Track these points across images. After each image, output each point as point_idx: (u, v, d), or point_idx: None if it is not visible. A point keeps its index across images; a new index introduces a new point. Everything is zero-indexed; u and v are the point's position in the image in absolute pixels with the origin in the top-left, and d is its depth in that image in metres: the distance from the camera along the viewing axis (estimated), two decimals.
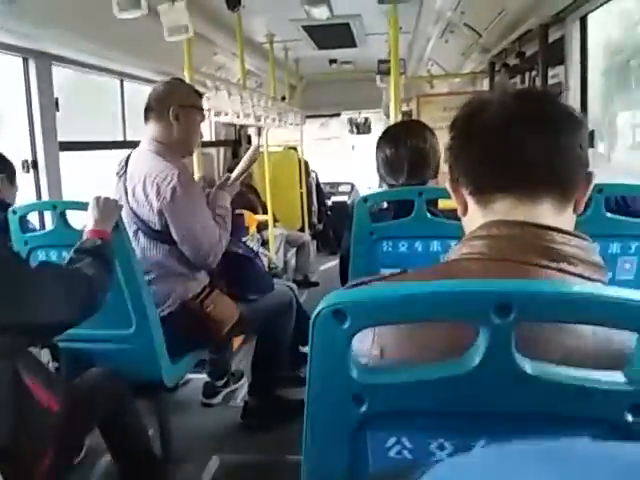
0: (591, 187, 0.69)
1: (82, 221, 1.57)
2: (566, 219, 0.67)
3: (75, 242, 1.42)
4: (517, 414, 0.55)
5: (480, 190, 0.70)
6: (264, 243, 3.86)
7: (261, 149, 3.57)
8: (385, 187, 1.65)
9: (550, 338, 0.58)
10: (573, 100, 2.33)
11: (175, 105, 1.83)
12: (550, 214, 0.66)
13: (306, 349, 1.97)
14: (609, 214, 1.24)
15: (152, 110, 1.87)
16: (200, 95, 1.99)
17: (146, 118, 1.88)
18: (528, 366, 0.53)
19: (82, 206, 1.55)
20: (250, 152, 2.15)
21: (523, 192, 0.66)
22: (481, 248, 0.67)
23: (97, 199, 1.53)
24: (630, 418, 0.52)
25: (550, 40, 2.48)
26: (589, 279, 0.63)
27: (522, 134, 0.66)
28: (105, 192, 1.65)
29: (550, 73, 2.50)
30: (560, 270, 0.62)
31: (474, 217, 0.71)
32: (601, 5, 2.18)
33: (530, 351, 0.54)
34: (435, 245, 1.35)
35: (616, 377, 0.53)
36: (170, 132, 1.84)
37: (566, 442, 0.29)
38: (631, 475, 0.25)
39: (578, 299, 0.51)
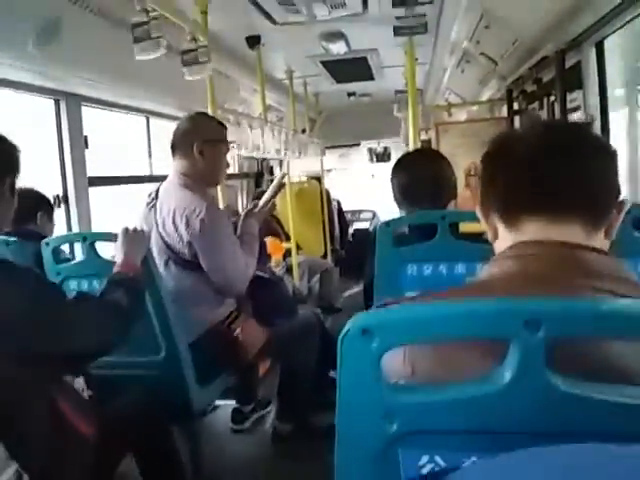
0: (623, 215, 0.70)
1: (111, 251, 1.61)
2: (596, 243, 0.68)
3: (105, 271, 1.46)
4: (551, 432, 0.55)
5: (510, 214, 0.71)
6: (288, 270, 3.88)
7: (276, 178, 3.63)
8: (404, 214, 1.67)
9: (592, 355, 0.57)
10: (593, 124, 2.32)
11: (199, 141, 1.88)
12: (580, 236, 0.67)
13: (333, 373, 1.95)
14: (637, 233, 1.23)
15: (177, 146, 1.93)
16: (224, 127, 2.03)
17: (173, 153, 1.94)
18: (561, 382, 0.53)
19: (111, 237, 1.60)
20: (277, 180, 2.20)
21: (553, 215, 0.68)
22: (511, 267, 0.68)
23: (126, 230, 1.58)
24: None
25: (567, 65, 2.50)
26: (622, 295, 0.63)
27: (553, 162, 0.67)
28: (132, 223, 1.70)
29: (568, 97, 2.51)
30: (593, 288, 0.63)
31: (504, 241, 0.72)
32: (616, 30, 2.20)
33: (572, 369, 0.53)
34: (459, 268, 1.34)
35: None
36: (196, 166, 1.89)
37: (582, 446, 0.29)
38: None
39: (608, 314, 0.51)
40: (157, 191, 1.95)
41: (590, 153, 0.68)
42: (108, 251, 1.67)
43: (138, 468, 1.50)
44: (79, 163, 2.52)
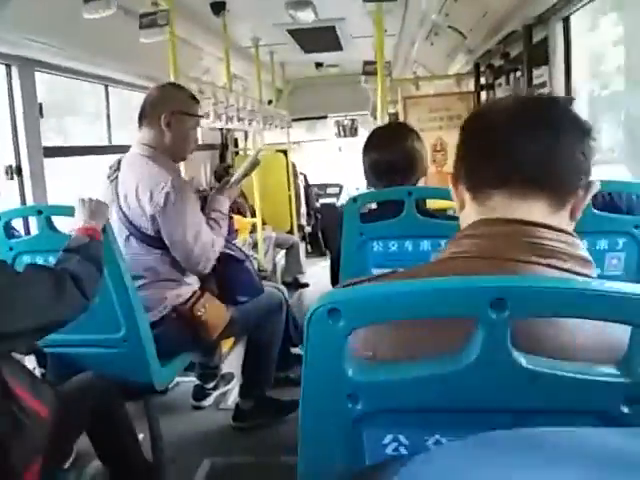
0: (590, 196, 0.69)
1: (68, 226, 1.55)
2: (560, 221, 0.67)
3: (62, 246, 1.40)
4: (514, 409, 0.55)
5: (477, 186, 0.71)
6: (253, 246, 3.85)
7: (248, 152, 3.56)
8: (373, 189, 1.65)
9: (546, 333, 0.58)
10: None
11: (167, 111, 1.81)
12: (543, 213, 0.67)
13: (296, 350, 1.97)
14: (597, 211, 1.26)
15: (144, 115, 1.85)
16: (196, 101, 1.96)
17: (139, 123, 1.87)
18: (524, 360, 0.53)
19: (68, 211, 1.53)
20: (252, 157, 2.12)
21: (517, 190, 0.67)
22: (471, 246, 0.68)
23: (83, 200, 1.51)
24: (626, 410, 0.53)
25: (534, 41, 2.50)
26: (578, 274, 0.64)
27: (523, 135, 0.67)
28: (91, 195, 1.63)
29: (535, 73, 2.52)
30: (549, 266, 0.63)
31: (470, 214, 0.72)
32: (583, 6, 2.21)
33: (527, 347, 0.54)
34: (425, 244, 1.35)
35: (611, 370, 0.53)
36: (162, 138, 1.83)
37: (537, 430, 0.29)
38: (597, 460, 0.25)
39: (572, 293, 0.51)
40: (118, 163, 1.87)
41: (562, 130, 0.67)
42: (65, 226, 1.61)
43: (94, 447, 1.48)
44: (33, 132, 2.41)
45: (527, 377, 0.53)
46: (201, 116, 1.97)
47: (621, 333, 0.53)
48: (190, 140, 1.91)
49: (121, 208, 1.79)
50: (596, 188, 0.69)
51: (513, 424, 0.55)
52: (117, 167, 1.86)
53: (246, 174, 2.07)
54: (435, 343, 0.60)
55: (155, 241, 1.79)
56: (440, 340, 0.59)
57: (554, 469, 0.25)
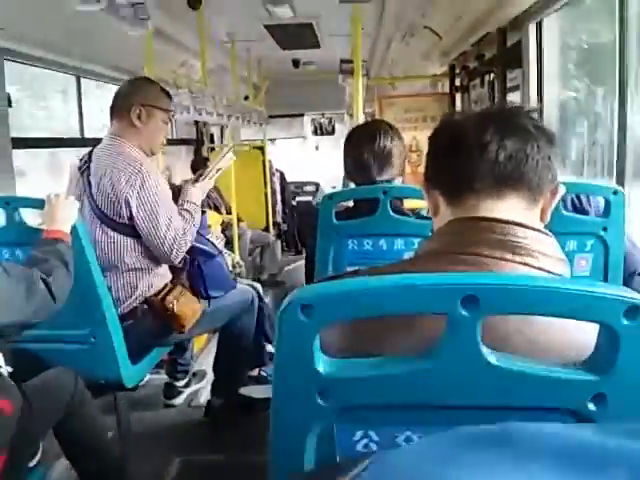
0: (557, 198, 0.72)
1: (36, 219, 1.51)
2: (532, 221, 0.69)
3: (29, 240, 1.38)
4: (483, 406, 0.56)
5: (450, 190, 0.72)
6: (228, 243, 3.82)
7: (225, 148, 3.53)
8: (352, 186, 1.65)
9: (515, 327, 0.59)
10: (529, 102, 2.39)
11: (137, 104, 1.82)
12: (516, 212, 0.68)
13: (270, 348, 1.94)
14: (566, 212, 1.29)
15: (116, 108, 1.86)
16: (169, 96, 1.96)
17: (111, 115, 1.87)
18: (493, 357, 0.54)
19: (38, 203, 1.50)
20: (225, 151, 2.14)
21: (490, 191, 0.69)
22: (445, 244, 0.69)
23: (53, 196, 1.49)
24: (592, 407, 0.54)
25: (508, 44, 2.54)
26: (552, 273, 0.65)
27: (494, 140, 0.68)
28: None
29: (509, 76, 2.56)
30: (524, 264, 0.64)
31: (444, 216, 0.73)
32: (556, 11, 2.26)
33: (495, 339, 0.55)
34: (399, 243, 1.36)
35: (579, 368, 0.54)
36: (133, 131, 1.83)
37: (506, 425, 0.30)
38: (568, 456, 0.25)
39: (543, 291, 0.52)
40: (89, 154, 1.85)
41: (529, 134, 0.69)
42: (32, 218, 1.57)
43: (60, 445, 1.45)
44: (1, 123, 2.34)
45: (496, 374, 0.54)
46: (172, 110, 1.96)
47: (590, 331, 0.54)
48: (159, 134, 1.92)
49: (92, 197, 1.78)
50: (562, 191, 0.72)
51: (482, 421, 0.55)
52: (88, 159, 1.85)
53: (219, 168, 2.07)
54: (404, 339, 0.60)
55: (127, 229, 1.78)
56: (410, 336, 0.59)
57: (524, 464, 0.26)
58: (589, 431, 0.30)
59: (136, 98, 1.83)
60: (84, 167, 1.83)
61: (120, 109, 1.84)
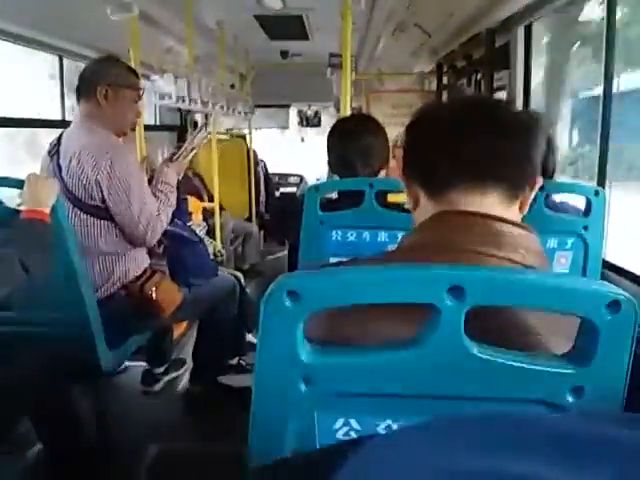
0: (535, 190, 0.72)
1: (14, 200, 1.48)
2: (512, 214, 0.70)
3: (7, 220, 1.34)
4: (465, 396, 0.56)
5: (431, 183, 0.72)
6: (209, 231, 3.79)
7: (209, 136, 3.49)
8: (336, 178, 1.66)
9: (498, 311, 0.59)
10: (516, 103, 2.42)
11: (103, 84, 1.78)
12: (497, 207, 0.69)
13: (250, 337, 1.94)
14: (548, 211, 1.31)
15: (82, 88, 1.82)
16: (136, 74, 1.93)
17: (77, 96, 1.83)
18: (476, 349, 0.54)
19: (17, 183, 1.46)
20: (198, 129, 2.12)
21: (472, 185, 0.69)
22: (431, 237, 0.69)
23: (29, 177, 1.46)
24: (571, 399, 0.55)
25: (496, 45, 2.56)
26: (533, 267, 0.66)
27: (474, 133, 0.69)
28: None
29: (495, 77, 2.58)
30: (508, 259, 0.65)
31: (425, 210, 0.73)
32: (546, 15, 2.28)
33: (478, 324, 0.55)
34: (383, 235, 1.36)
35: (559, 360, 0.55)
36: (100, 111, 1.80)
37: (489, 412, 0.30)
38: (559, 445, 0.25)
39: (529, 284, 0.53)
40: (59, 138, 1.82)
41: (509, 127, 0.69)
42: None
43: (35, 430, 1.42)
44: None
45: (478, 365, 0.54)
46: (140, 88, 1.93)
47: (571, 322, 0.55)
48: (128, 113, 1.88)
49: (63, 180, 1.74)
50: (540, 183, 0.72)
51: (464, 411, 0.56)
52: (57, 142, 1.82)
53: (193, 148, 2.06)
54: (392, 328, 0.60)
55: (99, 211, 1.75)
56: (397, 326, 0.60)
57: (514, 452, 0.26)
58: (573, 419, 0.30)
59: (102, 78, 1.79)
60: (53, 151, 1.80)
61: (86, 90, 1.80)
